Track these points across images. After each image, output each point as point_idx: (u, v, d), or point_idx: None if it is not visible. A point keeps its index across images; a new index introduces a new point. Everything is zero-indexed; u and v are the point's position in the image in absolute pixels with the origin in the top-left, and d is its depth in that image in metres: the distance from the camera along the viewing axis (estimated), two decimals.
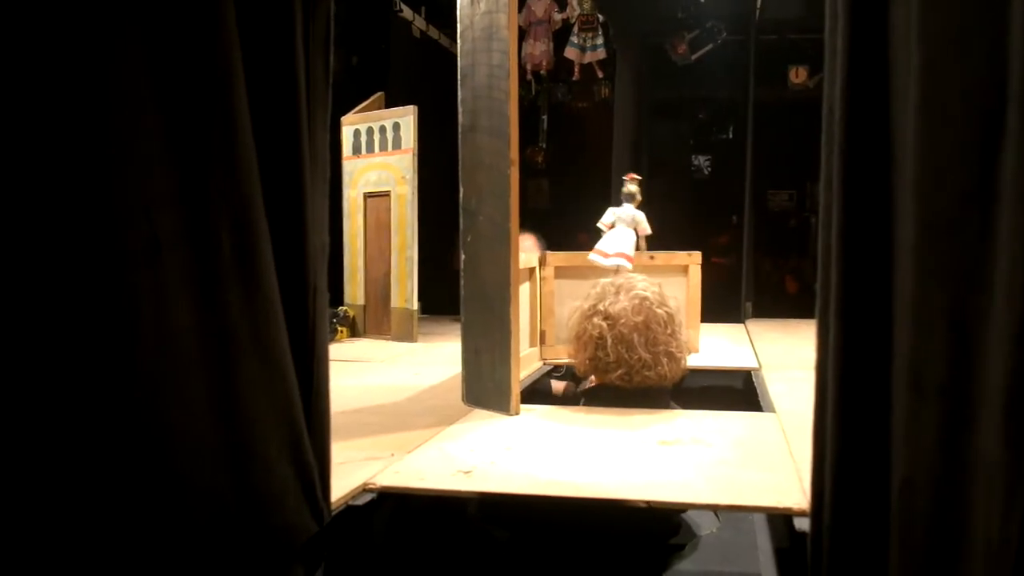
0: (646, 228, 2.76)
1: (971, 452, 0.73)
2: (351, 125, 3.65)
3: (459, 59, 2.08)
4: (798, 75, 4.44)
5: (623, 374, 1.96)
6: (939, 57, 0.75)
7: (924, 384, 0.78)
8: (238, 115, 1.05)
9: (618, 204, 2.81)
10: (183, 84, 0.97)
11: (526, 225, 3.96)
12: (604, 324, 1.96)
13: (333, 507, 1.30)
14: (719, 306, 3.75)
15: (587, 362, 2.03)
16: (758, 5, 4.14)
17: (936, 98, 0.75)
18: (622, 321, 1.95)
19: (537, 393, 2.72)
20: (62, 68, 0.83)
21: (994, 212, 0.70)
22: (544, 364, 2.77)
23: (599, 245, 2.72)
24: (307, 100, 1.20)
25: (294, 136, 1.17)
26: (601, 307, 1.99)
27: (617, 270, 2.60)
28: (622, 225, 2.74)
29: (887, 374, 0.86)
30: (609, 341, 1.94)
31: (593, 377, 2.13)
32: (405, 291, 3.44)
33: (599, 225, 2.78)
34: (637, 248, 2.74)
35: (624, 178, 2.77)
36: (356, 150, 3.64)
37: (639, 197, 2.75)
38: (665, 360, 1.98)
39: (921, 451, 0.78)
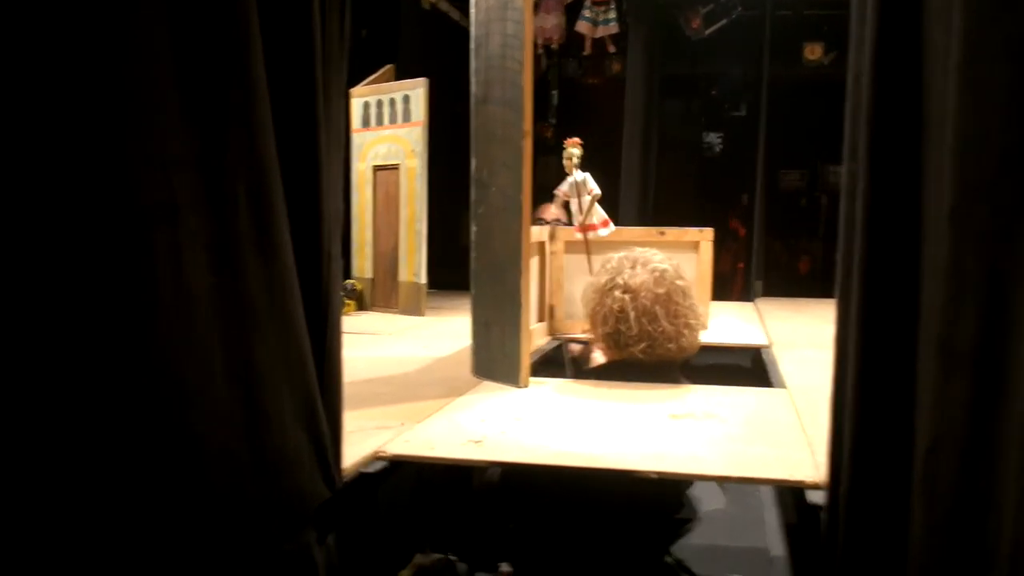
0: (591, 189, 2.59)
1: (1002, 416, 0.72)
2: (360, 97, 3.62)
3: (472, 28, 2.05)
4: (813, 52, 4.38)
5: (646, 347, 1.95)
6: (984, 13, 0.73)
7: (955, 349, 0.77)
8: (255, 79, 1.04)
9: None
10: (201, 46, 0.96)
11: (547, 198, 3.98)
12: (625, 297, 1.95)
13: (344, 474, 1.30)
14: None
15: (606, 337, 2.01)
16: None
17: (979, 57, 0.73)
18: (644, 293, 1.94)
19: (550, 363, 2.72)
20: (82, 28, 0.82)
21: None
22: (553, 339, 2.77)
23: (599, 218, 2.63)
24: (323, 65, 1.19)
25: (310, 101, 1.16)
26: (620, 280, 1.98)
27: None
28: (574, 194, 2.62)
29: (911, 343, 0.86)
30: (632, 314, 1.93)
31: (601, 355, 2.12)
32: (413, 265, 3.43)
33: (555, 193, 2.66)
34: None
35: (566, 143, 2.59)
36: (365, 123, 3.62)
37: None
38: (686, 331, 1.98)
39: (949, 416, 0.77)
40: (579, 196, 2.59)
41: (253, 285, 1.04)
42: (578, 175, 2.56)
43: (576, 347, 2.96)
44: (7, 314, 0.77)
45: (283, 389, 1.10)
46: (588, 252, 2.61)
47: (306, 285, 1.17)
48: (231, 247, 1.01)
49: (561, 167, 2.62)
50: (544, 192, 4.50)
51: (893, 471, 0.88)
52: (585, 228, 2.62)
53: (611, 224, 2.65)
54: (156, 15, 0.90)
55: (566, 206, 2.72)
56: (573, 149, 2.57)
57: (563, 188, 2.62)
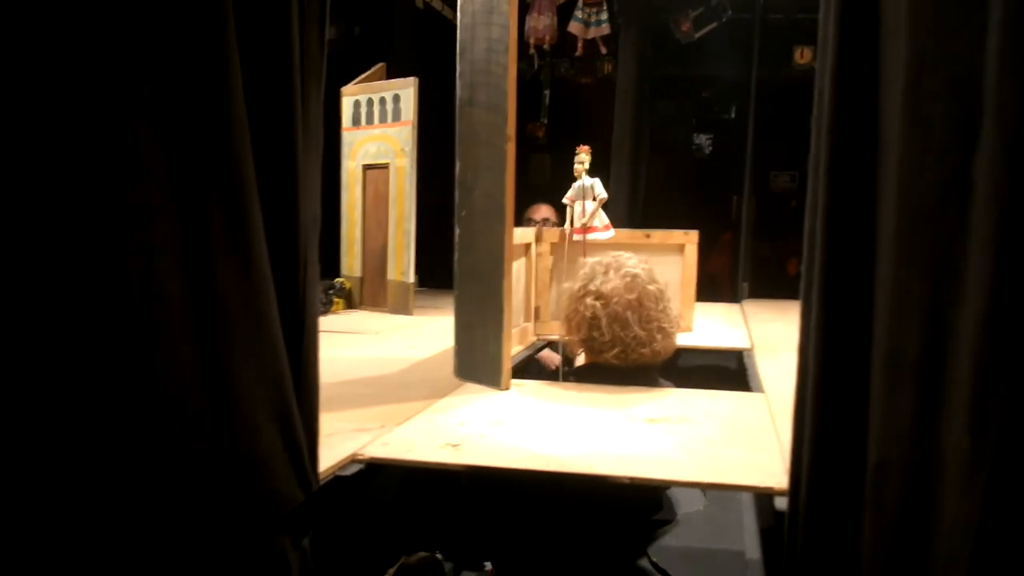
0: (603, 193, 2.72)
1: (941, 435, 0.74)
2: (351, 96, 3.63)
3: (458, 32, 2.07)
4: (803, 55, 4.40)
5: (619, 352, 1.97)
6: (925, 51, 0.75)
7: (899, 368, 0.79)
8: (231, 85, 1.05)
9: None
10: (175, 53, 0.97)
11: (537, 199, 4.01)
12: (597, 304, 1.96)
13: (321, 477, 1.31)
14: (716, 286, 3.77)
15: (581, 343, 2.03)
16: None
17: (920, 90, 0.75)
18: (615, 300, 1.96)
19: (531, 366, 2.74)
20: (57, 34, 0.83)
21: (970, 204, 0.71)
22: (538, 340, 2.78)
23: (601, 222, 2.72)
24: (301, 70, 1.20)
25: (287, 107, 1.17)
26: (592, 287, 2.00)
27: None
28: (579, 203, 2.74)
29: (866, 357, 0.87)
30: (603, 321, 1.95)
31: (583, 356, 2.14)
32: (402, 264, 3.44)
33: (564, 201, 2.76)
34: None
35: (578, 149, 2.73)
36: (356, 121, 3.63)
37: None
38: (659, 336, 1.99)
39: (895, 434, 0.79)
40: (583, 199, 2.69)
41: (227, 290, 1.05)
42: (586, 180, 2.68)
43: (547, 354, 2.99)
44: None
45: (257, 393, 1.11)
46: (584, 254, 2.64)
47: (283, 290, 1.18)
48: (205, 253, 1.02)
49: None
50: (534, 190, 4.53)
51: (849, 480, 0.90)
52: (585, 230, 2.68)
53: (611, 229, 2.70)
54: (129, 22, 0.91)
55: (563, 208, 2.80)
56: (584, 155, 2.69)
57: (570, 194, 2.73)
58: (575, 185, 2.70)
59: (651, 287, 2.00)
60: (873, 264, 0.86)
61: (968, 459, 0.69)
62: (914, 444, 0.77)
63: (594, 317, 1.96)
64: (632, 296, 1.96)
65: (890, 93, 0.82)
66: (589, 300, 1.98)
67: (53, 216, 0.85)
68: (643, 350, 1.96)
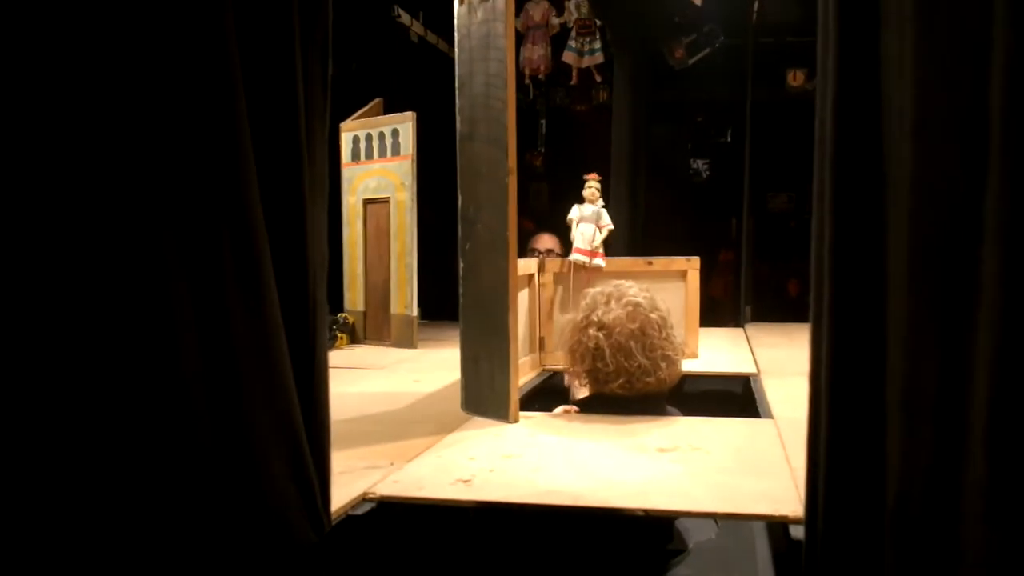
0: (610, 224, 2.81)
1: (961, 468, 0.74)
2: (350, 132, 3.66)
3: (456, 68, 2.09)
4: (796, 78, 4.45)
5: (624, 383, 1.96)
6: (929, 88, 0.76)
7: (916, 402, 0.79)
8: (240, 130, 1.06)
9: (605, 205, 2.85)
10: (184, 103, 0.98)
11: (542, 228, 4.05)
12: (600, 335, 1.96)
13: (333, 517, 1.31)
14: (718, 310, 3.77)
15: (585, 374, 2.03)
16: (755, 9, 4.15)
17: (928, 127, 0.76)
18: (617, 330, 1.96)
19: (540, 395, 2.73)
20: (70, 88, 0.85)
21: (982, 240, 0.72)
22: (544, 370, 2.78)
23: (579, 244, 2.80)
24: (306, 114, 1.22)
25: (294, 150, 1.19)
26: (594, 317, 1.99)
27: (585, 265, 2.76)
28: (584, 223, 2.80)
29: (880, 387, 0.87)
30: (607, 351, 1.94)
31: (587, 387, 2.13)
32: (405, 297, 3.45)
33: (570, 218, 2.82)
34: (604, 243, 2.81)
35: (586, 177, 2.79)
36: (355, 156, 3.65)
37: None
38: (663, 364, 1.99)
39: (914, 467, 0.79)
40: (593, 222, 2.77)
41: (239, 335, 1.05)
42: (598, 206, 2.76)
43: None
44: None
45: (269, 437, 1.12)
46: (588, 281, 2.67)
47: (292, 331, 1.18)
48: (217, 299, 1.02)
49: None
50: (536, 220, 4.55)
51: (867, 511, 0.89)
52: (593, 253, 2.75)
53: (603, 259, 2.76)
54: (137, 67, 0.92)
55: (565, 237, 2.85)
56: (594, 182, 2.76)
57: (576, 215, 2.77)
58: (584, 209, 2.75)
59: (653, 315, 2.00)
60: (884, 295, 0.86)
61: (989, 490, 0.69)
62: (934, 477, 0.77)
63: (597, 348, 1.95)
64: (635, 325, 1.96)
65: (894, 127, 0.83)
66: (592, 331, 1.98)
67: (72, 277, 0.85)
68: (648, 379, 1.95)
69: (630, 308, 1.99)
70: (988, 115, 0.71)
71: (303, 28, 1.20)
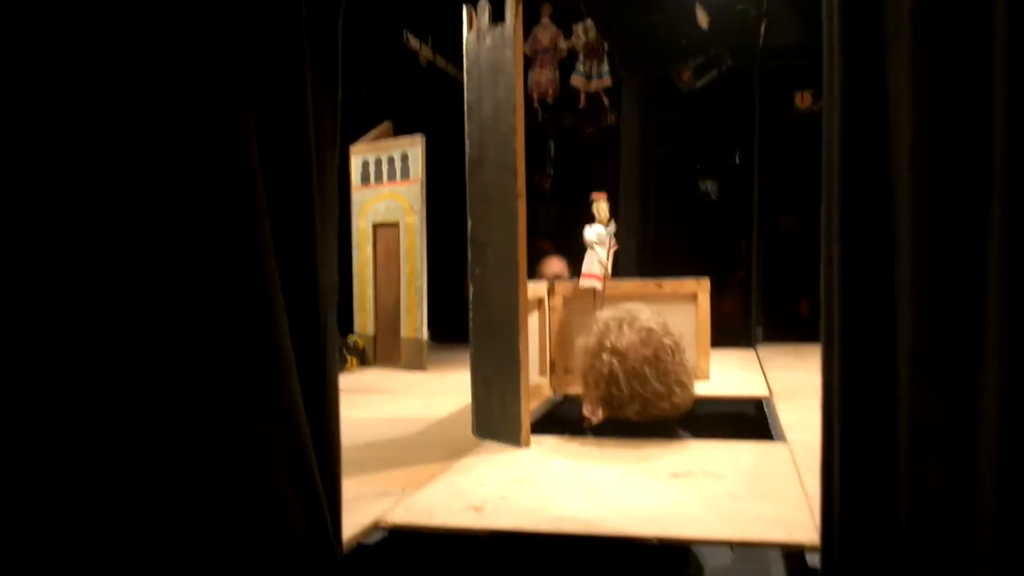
0: (614, 243, 2.77)
1: (972, 500, 0.73)
2: (360, 155, 3.68)
3: (466, 93, 2.10)
4: (803, 99, 4.45)
5: (639, 408, 1.94)
6: (930, 116, 0.76)
7: (924, 435, 0.78)
8: (250, 156, 1.06)
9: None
10: (194, 130, 0.99)
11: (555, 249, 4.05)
12: (614, 360, 1.95)
13: (345, 545, 1.30)
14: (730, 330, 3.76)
15: (600, 399, 2.01)
16: (762, 31, 4.17)
17: (929, 158, 0.76)
18: (632, 355, 1.94)
19: (552, 419, 2.71)
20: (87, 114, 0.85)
21: (986, 270, 0.71)
22: (555, 394, 2.77)
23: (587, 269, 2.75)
24: (316, 141, 1.22)
25: (304, 177, 1.19)
26: (608, 343, 1.98)
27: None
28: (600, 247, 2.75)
29: (892, 412, 0.87)
30: (622, 377, 1.93)
31: (600, 413, 2.11)
32: (414, 320, 3.45)
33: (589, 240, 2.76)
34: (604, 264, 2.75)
35: (594, 197, 2.75)
36: (365, 180, 3.67)
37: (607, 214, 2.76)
38: (678, 389, 1.97)
39: (925, 501, 0.78)
40: (605, 246, 2.75)
41: (249, 365, 1.05)
42: (612, 227, 2.74)
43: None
44: None
45: (280, 466, 1.11)
46: (602, 304, 2.66)
47: (303, 358, 1.18)
48: (227, 328, 1.02)
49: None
50: (552, 242, 4.56)
51: (882, 539, 0.88)
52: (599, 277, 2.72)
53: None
54: (151, 101, 0.93)
55: (575, 260, 2.83)
56: (603, 202, 2.73)
57: (595, 237, 2.74)
58: (599, 230, 2.72)
59: (667, 340, 1.99)
60: (894, 320, 0.86)
61: (999, 524, 0.68)
62: (943, 511, 0.76)
63: (611, 374, 1.94)
64: (648, 351, 1.95)
65: (900, 155, 0.82)
66: (605, 356, 1.96)
67: (83, 295, 0.86)
68: (663, 404, 1.94)
69: (644, 333, 1.98)
70: (991, 145, 0.71)
71: (313, 56, 1.21)
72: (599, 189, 2.86)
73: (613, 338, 1.98)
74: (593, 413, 2.38)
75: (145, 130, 0.92)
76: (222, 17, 1.00)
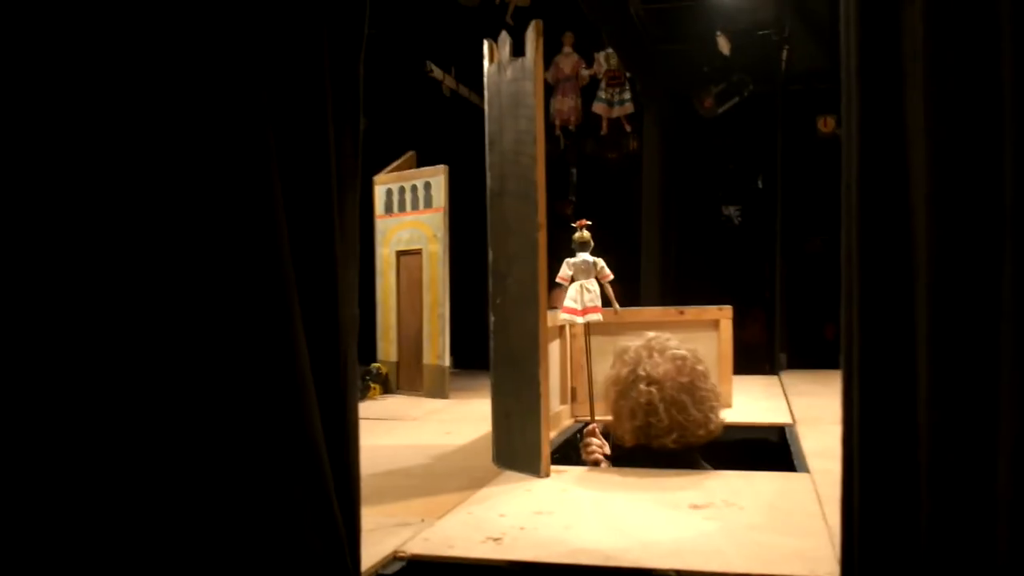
0: (608, 274, 2.49)
1: (994, 536, 0.72)
2: (383, 184, 3.72)
3: (487, 124, 2.13)
4: (826, 124, 4.45)
5: (677, 437, 1.93)
6: (944, 158, 0.76)
7: (944, 472, 0.78)
8: (274, 197, 1.09)
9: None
10: (218, 169, 1.02)
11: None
12: (652, 389, 1.93)
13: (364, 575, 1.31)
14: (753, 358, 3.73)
15: (635, 430, 1.98)
16: (784, 57, 4.18)
17: (945, 195, 0.76)
18: (668, 384, 1.93)
19: (573, 447, 2.70)
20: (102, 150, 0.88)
21: (1000, 313, 0.72)
22: (576, 422, 2.76)
23: (567, 303, 2.45)
24: (337, 176, 1.25)
25: (326, 213, 1.21)
26: (642, 372, 1.96)
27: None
28: (583, 277, 2.46)
29: (912, 446, 0.86)
30: (661, 407, 1.91)
31: (626, 441, 2.10)
32: (437, 348, 3.47)
33: (558, 280, 2.45)
34: (604, 295, 2.49)
35: (574, 225, 2.50)
36: (388, 209, 3.71)
37: (592, 243, 2.49)
38: (712, 416, 1.97)
39: (947, 533, 0.78)
40: (585, 276, 2.47)
41: (270, 397, 1.07)
42: (589, 257, 2.48)
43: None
44: None
45: (298, 492, 1.12)
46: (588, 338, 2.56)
47: (324, 390, 1.20)
48: (249, 360, 1.04)
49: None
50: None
51: (903, 573, 0.87)
52: (586, 311, 2.45)
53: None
54: (183, 145, 0.96)
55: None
56: (584, 232, 2.48)
57: (568, 272, 2.48)
58: (575, 262, 2.45)
59: (699, 367, 1.99)
60: (914, 357, 0.86)
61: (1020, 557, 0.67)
62: (965, 545, 0.75)
63: (649, 403, 1.92)
64: (685, 379, 1.94)
65: (918, 194, 0.83)
66: (642, 386, 1.94)
67: (119, 329, 0.89)
68: (700, 432, 1.94)
69: (679, 362, 1.97)
70: (1003, 192, 0.72)
71: (335, 94, 1.23)
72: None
73: (648, 367, 1.96)
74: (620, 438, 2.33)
75: (171, 166, 0.95)
76: (246, 59, 1.03)
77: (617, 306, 2.52)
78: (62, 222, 0.87)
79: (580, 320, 2.44)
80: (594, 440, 2.28)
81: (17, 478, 0.83)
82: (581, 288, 2.44)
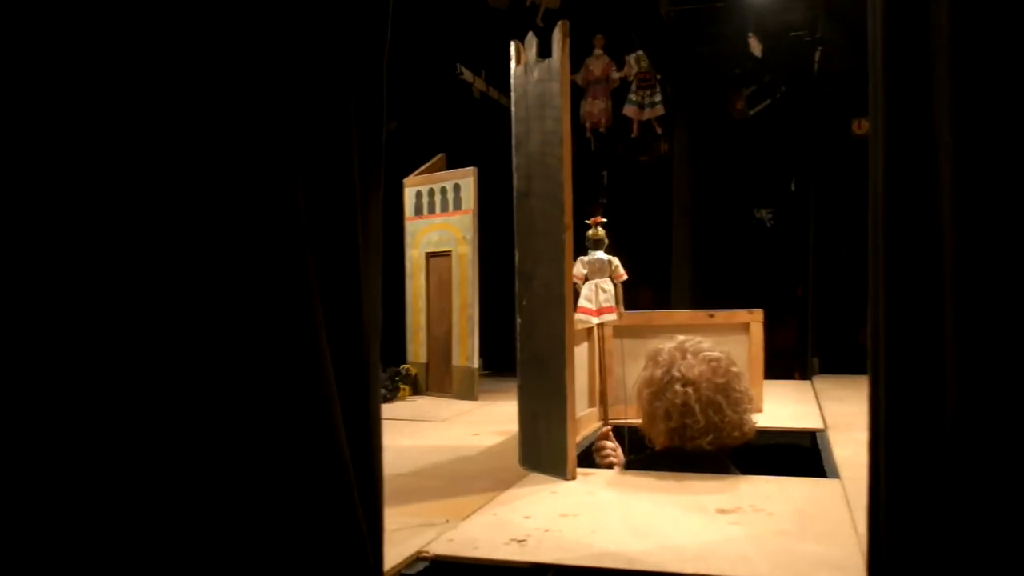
0: (622, 273, 2.47)
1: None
2: (413, 187, 3.74)
3: (513, 126, 2.13)
4: (860, 126, 4.38)
5: (713, 438, 1.92)
6: (973, 153, 0.75)
7: (973, 479, 0.76)
8: (296, 199, 1.10)
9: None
10: (243, 172, 1.03)
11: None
12: (688, 390, 1.92)
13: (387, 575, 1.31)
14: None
15: (669, 431, 1.97)
16: (817, 58, 4.13)
17: (975, 199, 0.74)
18: (704, 385, 1.92)
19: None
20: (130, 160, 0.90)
21: None
22: (605, 423, 2.75)
23: (582, 303, 2.44)
24: (360, 180, 1.25)
25: (349, 218, 1.22)
26: (677, 373, 1.95)
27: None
28: (597, 276, 2.45)
29: (940, 453, 0.84)
30: (696, 408, 1.90)
31: (657, 443, 2.08)
32: (466, 349, 3.47)
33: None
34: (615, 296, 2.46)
35: (588, 222, 2.44)
36: (418, 211, 3.73)
37: (607, 240, 2.48)
38: (747, 418, 1.96)
39: (975, 542, 0.76)
40: (600, 276, 2.46)
41: (293, 400, 1.08)
42: (603, 255, 2.47)
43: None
44: None
45: (319, 493, 1.13)
46: (602, 339, 2.55)
47: (347, 393, 1.20)
48: (271, 363, 1.05)
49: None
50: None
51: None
52: (601, 311, 2.46)
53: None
54: (200, 141, 0.97)
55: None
56: (599, 230, 2.46)
57: (580, 270, 2.46)
58: (590, 260, 2.43)
59: (734, 369, 1.98)
60: (942, 363, 0.84)
61: None
62: (994, 556, 0.73)
63: (685, 404, 1.91)
64: (721, 380, 1.93)
65: (946, 196, 0.81)
66: (677, 387, 1.93)
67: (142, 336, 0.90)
68: (735, 433, 1.92)
69: (714, 363, 1.96)
70: None
71: (358, 98, 1.24)
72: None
73: (683, 368, 1.95)
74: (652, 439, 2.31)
75: (194, 170, 0.96)
76: (269, 64, 1.04)
77: (622, 308, 2.50)
78: (95, 224, 0.88)
79: (595, 320, 2.44)
80: (608, 444, 2.27)
81: (42, 489, 0.84)
82: (596, 287, 2.44)
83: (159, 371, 0.92)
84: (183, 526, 0.93)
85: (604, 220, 2.48)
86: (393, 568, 1.36)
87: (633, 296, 4.39)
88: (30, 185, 0.85)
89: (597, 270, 2.45)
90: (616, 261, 2.46)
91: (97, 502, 0.88)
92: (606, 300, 2.43)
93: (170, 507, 0.92)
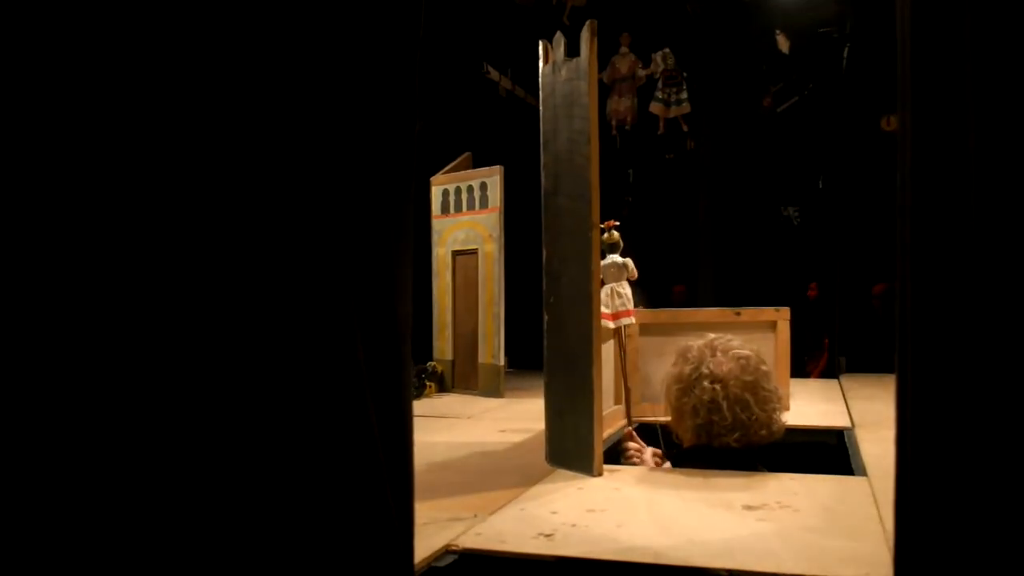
0: (634, 272, 2.50)
1: None
2: (440, 185, 3.77)
3: (541, 124, 2.14)
4: (889, 123, 4.34)
5: (739, 436, 1.93)
6: (998, 151, 0.75)
7: (1001, 478, 0.76)
8: (333, 196, 1.12)
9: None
10: (281, 169, 1.05)
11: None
12: (716, 387, 1.94)
13: (416, 568, 1.34)
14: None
15: (696, 428, 1.99)
16: (845, 55, 4.10)
17: (1000, 194, 0.75)
18: (732, 382, 1.93)
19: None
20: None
21: None
22: (632, 422, 2.76)
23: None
24: (393, 178, 1.28)
25: (382, 213, 1.25)
26: (706, 370, 1.97)
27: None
28: (613, 280, 2.49)
29: (968, 450, 0.85)
30: (724, 405, 1.92)
31: (685, 441, 2.09)
32: (492, 347, 3.50)
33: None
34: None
35: (602, 226, 2.36)
36: (444, 209, 3.76)
37: (621, 244, 2.50)
38: (775, 417, 1.97)
39: (1003, 543, 0.76)
40: (616, 280, 2.47)
41: (326, 392, 1.10)
42: (618, 258, 2.48)
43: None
44: None
45: (356, 491, 1.16)
46: (623, 343, 2.56)
47: (381, 385, 1.23)
48: (303, 357, 1.08)
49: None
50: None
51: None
52: (617, 315, 2.49)
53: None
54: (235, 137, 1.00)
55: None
56: (614, 233, 2.46)
57: (609, 264, 2.48)
58: (605, 264, 2.42)
59: (763, 367, 1.98)
60: (969, 359, 0.84)
61: None
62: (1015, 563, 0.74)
63: (713, 401, 1.93)
64: (749, 378, 1.94)
65: (972, 189, 0.82)
66: (706, 383, 1.95)
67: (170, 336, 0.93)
68: (763, 432, 1.93)
69: (743, 361, 1.97)
70: None
71: (389, 94, 1.26)
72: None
73: (712, 365, 1.97)
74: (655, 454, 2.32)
75: (231, 166, 0.99)
76: (309, 64, 1.07)
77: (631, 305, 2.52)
78: (128, 215, 0.91)
79: (612, 325, 2.45)
80: (632, 444, 2.29)
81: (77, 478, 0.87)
82: (612, 292, 2.45)
83: (203, 368, 0.95)
84: (231, 520, 0.96)
85: (617, 224, 2.49)
86: (423, 561, 1.38)
87: (666, 294, 4.39)
88: (64, 184, 0.88)
89: (612, 274, 2.46)
90: (630, 263, 2.48)
91: (134, 501, 0.90)
92: (622, 304, 2.44)
93: (219, 500, 0.95)
